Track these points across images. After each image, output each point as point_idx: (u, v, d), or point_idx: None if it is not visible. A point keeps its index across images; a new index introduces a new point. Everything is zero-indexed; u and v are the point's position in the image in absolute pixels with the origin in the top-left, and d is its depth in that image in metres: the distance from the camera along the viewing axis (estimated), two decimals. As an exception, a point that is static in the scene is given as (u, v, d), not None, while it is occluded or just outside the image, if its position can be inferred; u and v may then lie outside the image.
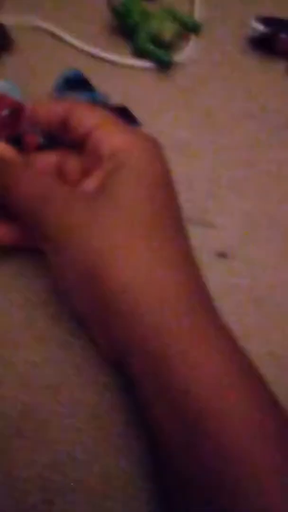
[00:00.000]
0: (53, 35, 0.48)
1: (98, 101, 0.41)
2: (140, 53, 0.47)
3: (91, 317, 0.31)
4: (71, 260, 0.29)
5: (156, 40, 0.46)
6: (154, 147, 0.32)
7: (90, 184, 0.31)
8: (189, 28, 0.48)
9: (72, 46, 0.48)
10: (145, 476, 0.31)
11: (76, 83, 0.42)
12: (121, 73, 0.46)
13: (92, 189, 0.30)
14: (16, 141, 0.35)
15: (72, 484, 0.31)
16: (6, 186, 0.32)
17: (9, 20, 0.48)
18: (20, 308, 0.36)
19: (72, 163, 0.34)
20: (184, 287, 0.29)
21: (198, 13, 0.50)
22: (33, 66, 0.46)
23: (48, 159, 0.35)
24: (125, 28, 0.48)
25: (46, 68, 0.46)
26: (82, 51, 0.47)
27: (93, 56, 0.47)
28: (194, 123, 0.45)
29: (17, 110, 0.34)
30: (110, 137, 0.31)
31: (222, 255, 0.38)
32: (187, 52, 0.48)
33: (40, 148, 0.36)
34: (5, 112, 0.33)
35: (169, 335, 0.27)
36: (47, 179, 0.32)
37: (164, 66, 0.47)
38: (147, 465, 0.31)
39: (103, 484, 0.31)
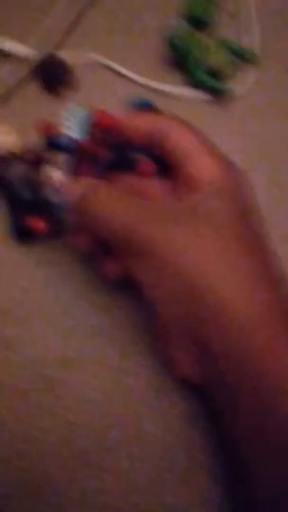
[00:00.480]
0: (111, 70, 0.50)
1: None
2: (196, 84, 0.48)
3: (182, 331, 0.31)
4: (172, 278, 0.30)
5: (212, 71, 0.47)
6: (243, 175, 0.33)
7: (188, 206, 0.32)
8: (245, 58, 0.49)
9: (130, 79, 0.49)
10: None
11: (144, 109, 0.43)
12: (178, 104, 0.48)
13: (190, 212, 0.31)
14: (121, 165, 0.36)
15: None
16: (99, 211, 0.33)
17: (70, 57, 0.50)
18: (87, 334, 0.37)
19: (154, 185, 0.35)
20: (283, 306, 0.30)
21: (254, 43, 0.51)
22: (94, 101, 0.47)
23: (130, 180, 0.36)
24: (181, 59, 0.49)
25: (106, 102, 0.47)
26: (140, 84, 0.49)
27: (150, 88, 0.49)
28: (250, 152, 0.45)
29: (114, 129, 0.35)
30: (201, 161, 0.32)
31: None
32: (243, 82, 0.49)
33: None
34: (107, 135, 0.34)
35: (272, 355, 0.28)
36: (138, 200, 0.33)
37: (220, 96, 0.48)
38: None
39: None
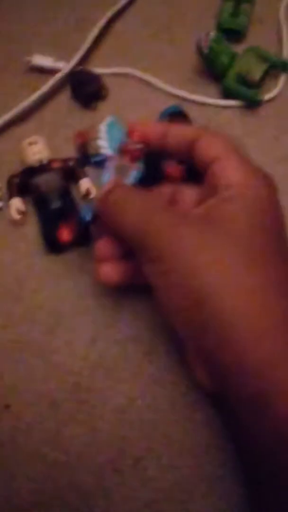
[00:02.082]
0: (142, 81, 0.50)
1: None
2: (229, 94, 0.48)
3: (195, 343, 0.31)
4: (179, 283, 0.29)
5: (245, 80, 0.47)
6: (270, 185, 0.32)
7: (202, 210, 0.31)
8: (277, 66, 0.49)
9: (161, 89, 0.49)
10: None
11: (176, 117, 0.44)
12: (211, 113, 0.48)
13: (203, 216, 0.31)
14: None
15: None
16: (113, 206, 0.33)
17: (100, 68, 0.50)
18: (116, 342, 0.37)
19: (187, 194, 0.35)
20: None
21: (286, 52, 0.50)
22: (125, 111, 0.48)
23: (164, 187, 0.36)
24: (213, 70, 0.49)
25: (137, 113, 0.47)
26: (171, 94, 0.49)
27: (181, 98, 0.49)
28: (284, 160, 0.45)
29: (145, 140, 0.35)
30: (229, 169, 0.31)
31: None
32: (276, 90, 0.48)
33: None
34: (139, 146, 0.35)
35: (272, 369, 0.27)
36: (156, 202, 0.33)
37: (253, 105, 0.47)
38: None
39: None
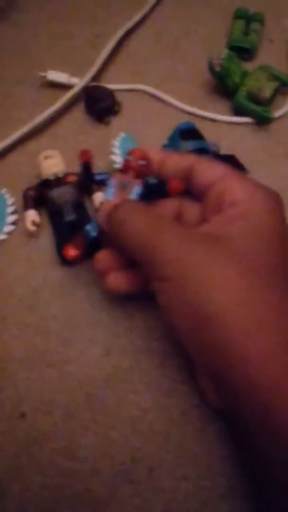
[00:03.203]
0: (155, 97, 0.51)
1: (209, 149, 0.43)
2: (239, 110, 0.49)
3: (201, 360, 0.31)
4: (186, 302, 0.29)
5: (255, 98, 0.48)
6: (275, 201, 0.32)
7: (208, 229, 0.32)
8: (287, 83, 0.50)
9: (173, 106, 0.50)
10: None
11: (188, 134, 0.44)
12: (221, 130, 0.48)
13: (209, 234, 0.31)
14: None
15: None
16: (120, 221, 0.33)
17: (115, 85, 0.51)
18: (129, 353, 0.37)
19: (192, 211, 0.35)
20: None
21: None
22: (139, 127, 0.49)
23: (169, 203, 0.36)
24: (225, 87, 0.50)
25: (150, 128, 0.48)
26: (183, 110, 0.50)
27: (193, 114, 0.50)
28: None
29: (148, 161, 0.36)
30: (233, 187, 0.32)
31: None
32: (286, 108, 0.49)
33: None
34: (141, 162, 0.36)
35: (282, 390, 0.27)
36: (162, 218, 0.33)
37: (263, 122, 0.48)
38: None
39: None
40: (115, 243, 0.34)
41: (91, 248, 0.36)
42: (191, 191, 0.35)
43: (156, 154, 0.36)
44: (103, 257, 0.36)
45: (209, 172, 0.34)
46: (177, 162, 0.35)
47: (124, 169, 0.36)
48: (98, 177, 0.41)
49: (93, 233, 0.36)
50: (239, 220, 0.31)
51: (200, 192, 0.34)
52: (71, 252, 0.36)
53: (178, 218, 0.36)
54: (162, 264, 0.30)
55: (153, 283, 0.32)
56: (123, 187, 0.36)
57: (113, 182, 0.36)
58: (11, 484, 0.33)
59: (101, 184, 0.40)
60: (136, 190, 0.35)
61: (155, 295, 0.32)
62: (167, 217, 0.35)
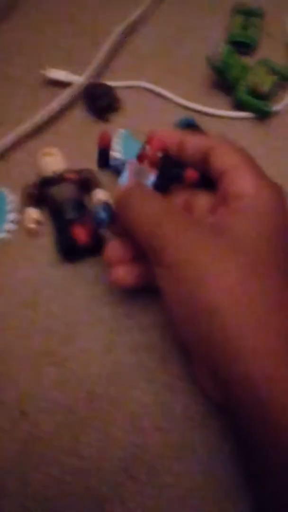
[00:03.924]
0: (156, 94, 0.51)
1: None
2: (239, 105, 0.49)
3: (200, 353, 0.31)
4: (187, 293, 0.30)
5: (255, 92, 0.48)
6: (279, 194, 0.32)
7: (214, 221, 0.32)
8: (287, 79, 0.50)
9: (174, 102, 0.50)
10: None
11: (189, 129, 0.44)
12: (221, 124, 0.48)
13: (214, 226, 0.31)
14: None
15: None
16: (129, 205, 0.33)
17: (115, 81, 0.51)
18: (130, 350, 0.37)
19: (202, 201, 0.35)
20: None
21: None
22: (139, 124, 0.48)
23: (180, 192, 0.36)
24: (225, 82, 0.50)
25: (151, 125, 0.48)
26: (184, 106, 0.50)
27: (194, 110, 0.49)
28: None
29: (167, 152, 0.36)
30: (241, 179, 0.32)
31: None
32: (286, 102, 0.49)
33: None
34: (159, 153, 0.35)
35: (277, 385, 0.27)
36: (172, 207, 0.33)
37: (263, 116, 0.48)
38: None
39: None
40: (124, 228, 0.34)
41: (98, 237, 0.36)
42: (209, 174, 0.35)
43: (174, 135, 0.36)
44: (112, 247, 0.36)
45: (223, 159, 0.33)
46: (196, 144, 0.35)
47: (140, 159, 0.36)
48: (114, 163, 0.40)
49: (103, 216, 0.35)
50: (242, 214, 0.31)
51: (214, 178, 0.34)
52: (82, 236, 0.36)
53: (189, 208, 0.36)
54: (166, 251, 0.30)
55: (155, 269, 0.32)
56: (139, 173, 0.36)
57: (129, 167, 0.36)
58: (13, 482, 0.33)
59: (116, 171, 0.40)
60: (151, 177, 0.35)
61: (158, 281, 0.32)
62: (176, 205, 0.36)
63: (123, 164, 0.36)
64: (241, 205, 0.31)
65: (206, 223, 0.32)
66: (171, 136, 0.36)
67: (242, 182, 0.32)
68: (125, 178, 0.36)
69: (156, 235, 0.31)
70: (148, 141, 0.36)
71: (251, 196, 0.31)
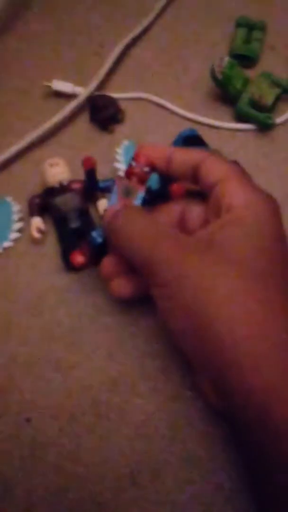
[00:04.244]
0: (158, 105, 0.51)
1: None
2: (242, 117, 0.50)
3: (199, 364, 0.32)
4: (183, 309, 0.30)
5: (257, 105, 0.48)
6: (271, 205, 0.32)
7: (204, 235, 0.32)
8: (288, 91, 0.50)
9: (176, 113, 0.51)
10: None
11: (191, 140, 0.45)
12: (224, 136, 0.49)
13: (206, 240, 0.31)
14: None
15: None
16: (119, 228, 0.34)
17: (119, 93, 0.52)
18: (134, 358, 0.38)
19: (195, 212, 0.36)
20: None
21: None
22: (141, 135, 0.49)
23: (172, 207, 0.37)
24: (227, 94, 0.50)
25: (153, 136, 0.49)
26: (185, 118, 0.50)
27: (196, 122, 0.50)
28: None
29: (152, 167, 0.36)
30: (231, 192, 0.32)
31: None
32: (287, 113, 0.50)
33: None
34: (146, 169, 0.36)
35: (277, 394, 0.27)
36: (162, 227, 0.33)
37: (265, 128, 0.49)
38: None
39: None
40: (116, 249, 0.35)
41: (97, 254, 0.37)
42: (200, 187, 0.35)
43: (163, 150, 0.36)
44: (108, 262, 0.36)
45: (213, 171, 0.34)
46: (184, 159, 0.35)
47: (128, 175, 0.36)
48: (102, 184, 0.42)
49: (99, 240, 0.36)
50: (233, 226, 0.31)
51: (205, 191, 0.34)
52: (78, 258, 0.37)
53: (181, 221, 0.36)
54: (159, 271, 0.31)
55: (152, 289, 0.32)
56: (127, 193, 0.36)
57: (117, 188, 0.36)
58: (17, 487, 0.33)
59: (106, 191, 0.41)
60: (140, 195, 0.36)
61: (154, 299, 0.32)
62: (164, 224, 0.36)
63: (112, 184, 0.37)
64: (232, 217, 0.32)
65: (199, 236, 0.32)
66: (158, 151, 0.36)
67: (232, 194, 0.32)
68: (114, 199, 0.36)
69: (147, 258, 0.32)
70: (135, 157, 0.36)
71: (242, 207, 0.32)
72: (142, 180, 0.36)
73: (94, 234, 0.37)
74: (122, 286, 0.36)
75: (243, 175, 0.34)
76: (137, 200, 0.36)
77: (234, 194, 0.32)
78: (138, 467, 0.34)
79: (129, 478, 0.33)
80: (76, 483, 0.33)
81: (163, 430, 0.35)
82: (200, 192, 0.36)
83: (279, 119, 0.49)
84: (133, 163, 0.36)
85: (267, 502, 0.28)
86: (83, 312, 0.40)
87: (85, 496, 0.33)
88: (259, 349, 0.28)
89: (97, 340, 0.38)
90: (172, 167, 0.36)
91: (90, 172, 0.40)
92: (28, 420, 0.36)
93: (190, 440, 0.34)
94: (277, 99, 0.49)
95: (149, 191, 0.36)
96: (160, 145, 0.37)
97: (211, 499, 0.32)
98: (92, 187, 0.42)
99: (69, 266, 0.41)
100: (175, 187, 0.36)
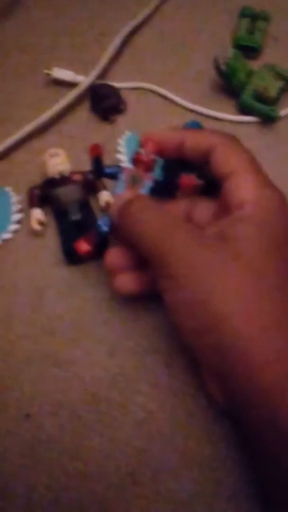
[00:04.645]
0: (160, 96, 0.51)
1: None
2: (245, 109, 0.49)
3: (206, 361, 0.31)
4: (191, 304, 0.30)
5: (261, 97, 0.48)
6: (281, 202, 0.32)
7: (216, 230, 0.32)
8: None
9: (178, 104, 0.50)
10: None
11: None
12: (227, 128, 0.48)
13: (217, 236, 0.31)
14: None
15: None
16: (133, 218, 0.33)
17: (120, 83, 0.51)
18: (135, 354, 0.37)
19: (202, 208, 0.35)
20: None
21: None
22: (142, 125, 0.48)
23: (180, 201, 0.36)
24: (231, 86, 0.49)
25: (155, 127, 0.48)
26: (188, 109, 0.50)
27: (198, 113, 0.49)
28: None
29: (160, 154, 0.36)
30: (241, 187, 0.32)
31: None
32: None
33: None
34: (152, 156, 0.35)
35: (281, 393, 0.27)
36: (174, 218, 0.33)
37: (269, 120, 0.48)
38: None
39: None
40: (126, 239, 0.34)
41: (100, 245, 0.36)
42: (210, 171, 0.34)
43: (173, 136, 0.35)
44: (113, 255, 0.36)
45: (225, 161, 0.33)
46: (197, 142, 0.35)
47: (135, 162, 0.36)
48: (108, 170, 0.41)
49: (105, 228, 0.36)
50: (245, 222, 0.31)
51: (216, 177, 0.34)
52: (84, 246, 0.36)
53: (188, 216, 0.36)
54: (170, 263, 0.30)
55: (160, 281, 0.32)
56: (134, 182, 0.36)
57: (124, 176, 0.36)
58: (17, 485, 0.33)
59: (112, 178, 0.40)
60: (147, 184, 0.35)
61: (162, 293, 0.32)
62: (178, 216, 0.35)
63: (119, 171, 0.36)
64: (242, 214, 0.31)
65: (210, 232, 0.32)
66: (169, 137, 0.35)
67: (244, 190, 0.32)
68: (121, 188, 0.36)
69: (160, 249, 0.31)
70: (143, 143, 0.36)
71: (252, 203, 0.31)
72: (149, 168, 0.35)
73: (100, 222, 0.36)
74: (126, 283, 0.35)
75: (255, 167, 0.33)
76: (144, 189, 0.35)
77: (244, 190, 0.32)
78: (139, 465, 0.33)
79: (129, 476, 0.33)
80: (76, 481, 0.33)
81: (164, 428, 0.34)
82: (206, 188, 0.35)
83: (283, 112, 0.49)
84: (141, 150, 0.35)
85: (277, 502, 0.28)
86: (83, 306, 0.39)
87: (85, 494, 0.33)
88: (271, 348, 0.28)
89: (98, 335, 0.38)
90: (184, 152, 0.35)
91: (97, 159, 0.39)
92: (27, 416, 0.35)
93: (192, 438, 0.34)
94: (281, 91, 0.49)
95: (156, 181, 0.35)
96: (170, 131, 0.36)
97: (212, 498, 0.32)
98: (98, 173, 0.41)
99: (70, 259, 0.41)
100: (185, 179, 0.35)
